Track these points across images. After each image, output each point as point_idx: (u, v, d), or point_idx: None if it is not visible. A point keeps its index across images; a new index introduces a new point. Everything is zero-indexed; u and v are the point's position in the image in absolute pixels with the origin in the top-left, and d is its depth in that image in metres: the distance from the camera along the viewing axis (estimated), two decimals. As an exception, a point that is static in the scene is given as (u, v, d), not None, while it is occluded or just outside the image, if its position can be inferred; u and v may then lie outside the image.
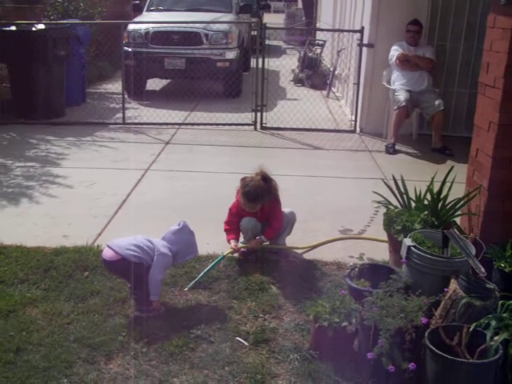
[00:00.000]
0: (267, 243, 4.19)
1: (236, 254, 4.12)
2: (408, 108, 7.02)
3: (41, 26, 8.09)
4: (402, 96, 7.01)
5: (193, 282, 3.75)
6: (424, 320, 2.90)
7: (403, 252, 3.45)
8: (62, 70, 8.22)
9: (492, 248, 3.51)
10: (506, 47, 3.44)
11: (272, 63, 9.67)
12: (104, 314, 3.42)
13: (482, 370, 2.71)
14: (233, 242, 4.09)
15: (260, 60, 7.90)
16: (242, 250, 4.13)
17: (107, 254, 3.37)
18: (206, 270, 3.83)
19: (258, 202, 4.00)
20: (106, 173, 6.01)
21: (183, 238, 3.51)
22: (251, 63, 9.49)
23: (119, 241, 3.43)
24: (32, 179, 5.72)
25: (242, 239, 4.20)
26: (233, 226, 4.16)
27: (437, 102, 6.96)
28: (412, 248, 3.39)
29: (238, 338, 3.25)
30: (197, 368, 3.00)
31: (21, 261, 3.97)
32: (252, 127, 8.01)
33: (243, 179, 4.04)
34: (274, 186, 4.06)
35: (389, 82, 7.39)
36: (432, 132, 7.18)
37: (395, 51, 7.20)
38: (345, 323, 3.04)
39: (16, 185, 5.55)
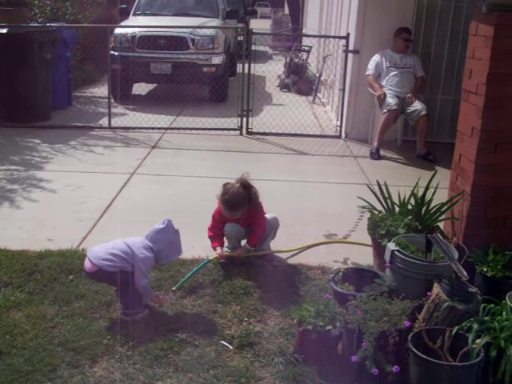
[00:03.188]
0: (252, 249, 4.20)
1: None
2: (398, 112, 7.07)
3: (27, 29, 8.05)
4: (392, 100, 7.04)
5: (180, 282, 3.77)
6: (407, 323, 2.93)
7: (387, 256, 3.48)
8: (48, 73, 8.16)
9: (474, 252, 3.55)
10: (488, 55, 3.50)
11: (258, 68, 9.72)
12: (89, 318, 3.41)
13: (463, 373, 2.75)
14: (219, 249, 4.10)
15: (246, 65, 7.92)
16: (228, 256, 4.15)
17: (87, 265, 3.38)
18: (192, 271, 3.87)
19: (237, 209, 3.99)
20: (92, 177, 5.99)
21: (167, 238, 3.46)
22: (237, 68, 9.51)
23: (97, 250, 3.41)
24: (16, 183, 5.68)
25: (226, 243, 4.21)
26: (216, 233, 4.16)
27: (420, 107, 7.02)
28: (396, 252, 3.42)
29: (222, 342, 3.26)
30: (181, 371, 3.00)
31: (5, 264, 3.95)
32: (238, 132, 8.03)
33: (225, 185, 4.04)
34: (254, 193, 4.04)
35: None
36: (417, 138, 7.24)
37: (374, 61, 7.27)
38: (329, 327, 3.05)
39: None
